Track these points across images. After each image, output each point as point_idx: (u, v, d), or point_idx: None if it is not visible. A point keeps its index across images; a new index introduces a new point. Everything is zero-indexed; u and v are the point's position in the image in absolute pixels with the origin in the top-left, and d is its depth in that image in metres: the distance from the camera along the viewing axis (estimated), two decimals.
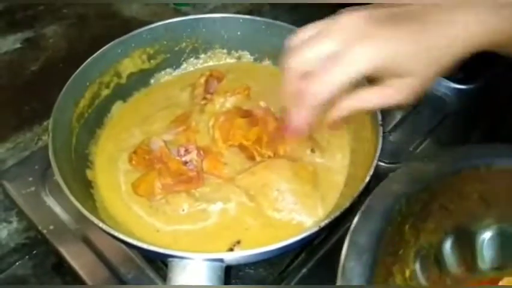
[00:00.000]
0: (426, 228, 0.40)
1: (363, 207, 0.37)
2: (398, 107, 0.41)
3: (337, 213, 0.44)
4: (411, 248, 0.39)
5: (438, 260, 0.41)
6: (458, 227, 0.41)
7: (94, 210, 0.50)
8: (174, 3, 0.84)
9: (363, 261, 0.33)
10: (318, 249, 0.53)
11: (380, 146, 0.49)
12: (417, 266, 0.40)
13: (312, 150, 0.57)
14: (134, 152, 0.56)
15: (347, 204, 0.44)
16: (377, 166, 0.48)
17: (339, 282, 0.33)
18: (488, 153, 0.40)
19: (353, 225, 0.35)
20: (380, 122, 0.51)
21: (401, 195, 0.37)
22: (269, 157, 0.55)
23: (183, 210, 0.52)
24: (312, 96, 0.38)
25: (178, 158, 0.54)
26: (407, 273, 0.39)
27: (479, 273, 0.41)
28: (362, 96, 0.40)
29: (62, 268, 0.70)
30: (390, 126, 0.66)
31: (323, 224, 0.43)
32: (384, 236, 0.35)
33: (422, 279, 0.40)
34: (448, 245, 0.41)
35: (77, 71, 0.55)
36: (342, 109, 0.40)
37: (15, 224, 0.67)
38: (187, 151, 0.55)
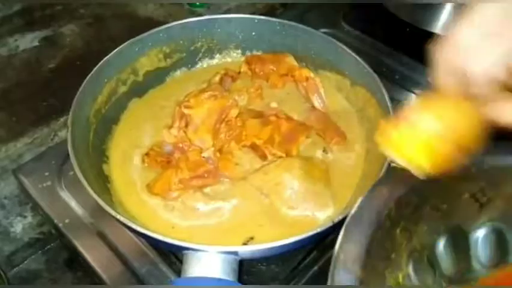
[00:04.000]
0: (419, 230, 0.40)
1: (351, 214, 0.37)
2: None
3: (349, 210, 0.44)
4: (403, 251, 0.39)
5: (432, 261, 0.40)
6: (451, 228, 0.41)
7: (110, 204, 0.50)
8: (189, 4, 0.85)
9: (353, 274, 0.34)
10: (330, 247, 0.53)
11: None
12: (411, 269, 0.39)
13: (324, 151, 0.58)
14: (147, 154, 0.56)
15: (358, 202, 0.44)
16: (390, 166, 0.48)
17: None
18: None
19: (341, 234, 0.36)
20: None
21: (390, 199, 0.37)
22: (281, 157, 0.56)
23: (198, 208, 0.53)
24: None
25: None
26: (400, 277, 0.39)
27: (474, 273, 0.41)
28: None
29: (74, 263, 0.71)
30: None
31: (336, 219, 0.44)
32: (374, 242, 0.35)
33: (415, 281, 0.39)
34: (441, 246, 0.41)
35: (96, 67, 0.56)
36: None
37: (29, 219, 0.68)
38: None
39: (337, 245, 0.35)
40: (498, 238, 0.41)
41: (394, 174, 0.40)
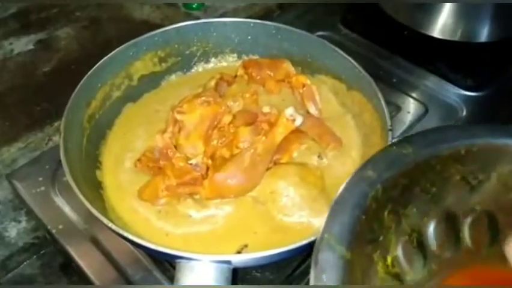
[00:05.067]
0: (408, 213, 0.38)
1: (336, 196, 0.35)
2: None
3: None
4: (392, 234, 0.38)
5: (421, 244, 0.39)
6: (441, 210, 0.40)
7: (103, 211, 0.50)
8: (183, 4, 0.85)
9: (336, 253, 0.32)
10: None
11: None
12: (400, 252, 0.38)
13: (319, 157, 0.57)
14: (139, 160, 0.56)
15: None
16: None
17: (312, 275, 0.32)
18: (467, 134, 0.39)
19: (326, 217, 0.34)
20: (390, 127, 0.51)
21: (376, 181, 0.36)
22: (275, 164, 0.55)
23: (191, 215, 0.52)
24: None
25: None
26: (389, 259, 0.38)
27: (464, 256, 0.40)
28: None
29: (69, 268, 0.70)
30: (400, 132, 0.66)
31: None
32: (359, 225, 0.34)
33: (404, 265, 0.38)
34: (431, 229, 0.40)
35: (90, 72, 0.56)
36: None
37: (24, 224, 0.68)
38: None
39: (322, 227, 0.34)
40: (489, 220, 0.40)
41: (382, 156, 0.38)
